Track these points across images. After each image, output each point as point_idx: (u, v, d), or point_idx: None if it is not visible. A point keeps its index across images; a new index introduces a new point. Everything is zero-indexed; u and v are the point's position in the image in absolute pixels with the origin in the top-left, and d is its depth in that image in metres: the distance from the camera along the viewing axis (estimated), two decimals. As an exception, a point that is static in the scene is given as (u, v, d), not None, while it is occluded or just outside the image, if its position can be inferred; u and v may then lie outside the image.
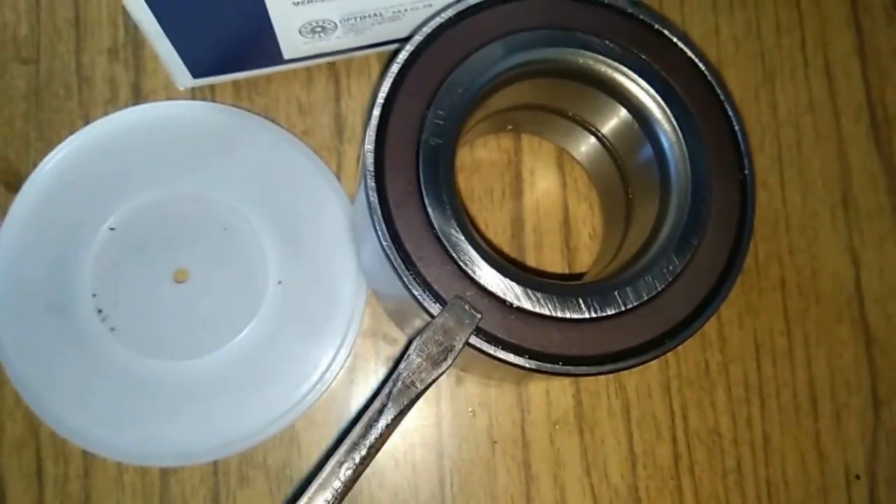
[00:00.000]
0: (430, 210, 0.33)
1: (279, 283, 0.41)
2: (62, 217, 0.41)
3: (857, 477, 0.43)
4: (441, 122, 0.34)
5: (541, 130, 0.44)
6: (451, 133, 0.34)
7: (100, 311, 0.40)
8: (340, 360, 0.41)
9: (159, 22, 0.34)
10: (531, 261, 0.44)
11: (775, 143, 0.46)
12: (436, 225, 0.33)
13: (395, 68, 0.34)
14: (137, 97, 0.44)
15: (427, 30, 0.34)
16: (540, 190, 0.45)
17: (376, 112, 0.33)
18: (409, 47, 0.34)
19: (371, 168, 0.33)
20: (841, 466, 0.43)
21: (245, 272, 0.41)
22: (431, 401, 0.42)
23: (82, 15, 0.45)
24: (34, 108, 0.43)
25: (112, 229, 0.41)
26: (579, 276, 0.43)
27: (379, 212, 0.32)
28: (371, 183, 0.33)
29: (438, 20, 0.35)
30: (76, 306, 0.40)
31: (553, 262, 0.44)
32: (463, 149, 0.44)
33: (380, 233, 0.32)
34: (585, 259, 0.44)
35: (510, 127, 0.44)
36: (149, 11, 0.33)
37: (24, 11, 0.45)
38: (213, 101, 0.43)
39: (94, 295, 0.40)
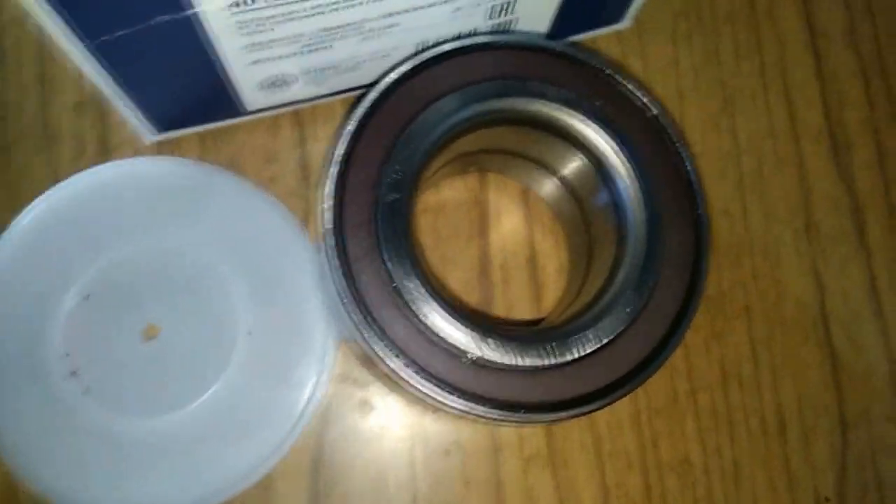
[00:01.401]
0: (388, 264, 0.34)
1: (249, 333, 0.41)
2: (31, 280, 0.41)
3: (827, 500, 0.44)
4: (398, 177, 0.35)
5: (504, 170, 0.45)
6: (408, 187, 0.35)
7: (73, 373, 0.40)
8: (313, 407, 0.41)
9: (118, 84, 0.35)
10: (499, 297, 0.44)
11: (737, 169, 0.47)
12: (395, 279, 0.34)
13: (350, 127, 0.35)
14: (105, 152, 0.44)
15: (382, 86, 0.35)
16: (506, 227, 0.45)
17: (333, 171, 0.34)
18: (364, 104, 0.35)
19: (329, 225, 0.33)
20: (810, 490, 0.44)
21: (215, 325, 0.41)
22: (405, 443, 0.43)
23: (48, 71, 0.45)
24: (2, 168, 0.44)
25: (86, 297, 0.41)
26: (541, 319, 0.44)
27: (338, 269, 0.33)
28: (330, 240, 0.33)
29: (393, 76, 0.35)
30: (49, 369, 0.40)
31: (521, 297, 0.44)
32: (428, 191, 0.45)
33: (339, 289, 0.33)
34: (553, 294, 0.45)
35: (473, 168, 0.44)
36: (107, 75, 0.34)
37: (-10, 71, 0.45)
38: (179, 153, 0.44)
39: (66, 355, 0.41)
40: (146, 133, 0.42)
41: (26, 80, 0.45)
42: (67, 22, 0.29)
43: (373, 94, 0.35)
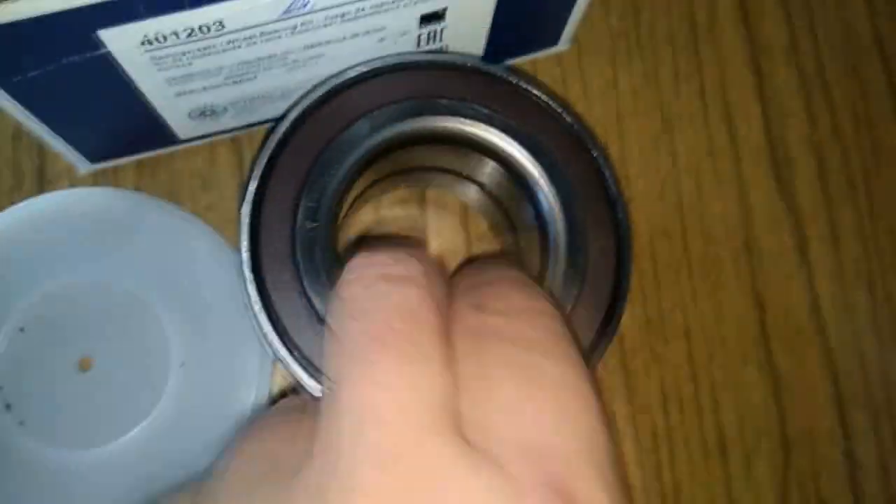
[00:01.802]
0: (311, 296, 0.34)
1: (182, 364, 0.41)
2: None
3: (768, 520, 0.44)
4: (314, 205, 0.35)
5: (437, 185, 0.45)
6: (326, 215, 0.35)
7: (7, 406, 0.40)
8: None
9: (40, 121, 0.35)
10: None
11: (676, 190, 0.47)
12: (318, 311, 0.34)
13: (260, 164, 0.35)
14: (42, 183, 0.44)
15: (291, 117, 0.35)
16: (445, 241, 0.45)
17: (246, 210, 0.34)
18: (274, 137, 0.35)
19: (247, 264, 0.34)
20: (751, 511, 0.44)
21: (147, 356, 0.41)
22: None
23: (-16, 102, 0.45)
24: (-64, 200, 0.44)
25: (20, 330, 0.41)
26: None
27: (255, 306, 0.33)
28: (248, 275, 0.34)
29: (301, 106, 0.35)
30: None
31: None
32: (365, 207, 0.45)
33: (257, 327, 0.33)
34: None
35: (404, 185, 0.44)
36: (27, 113, 0.34)
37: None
38: (116, 182, 0.44)
39: (0, 388, 0.40)
40: (80, 164, 0.41)
41: (-38, 111, 0.45)
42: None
43: (282, 127, 0.35)
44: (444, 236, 0.45)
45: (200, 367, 0.42)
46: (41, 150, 0.45)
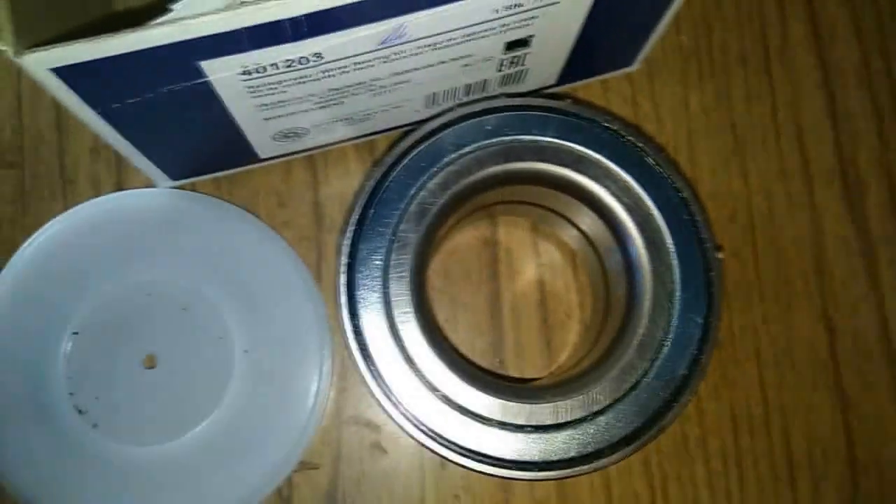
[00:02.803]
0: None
1: (245, 351, 0.42)
2: (30, 321, 0.42)
3: (837, 546, 0.44)
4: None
5: (518, 214, 0.45)
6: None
7: (80, 411, 0.41)
8: (316, 419, 0.42)
9: (130, 143, 0.36)
10: (509, 340, 0.45)
11: (747, 212, 0.47)
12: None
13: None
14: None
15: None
16: (516, 269, 0.45)
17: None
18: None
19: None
20: (820, 536, 0.44)
21: (211, 347, 0.43)
22: (415, 485, 0.43)
23: (63, 116, 0.46)
24: (20, 212, 0.45)
25: (85, 334, 0.42)
26: (552, 374, 0.44)
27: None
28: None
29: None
30: (56, 409, 0.42)
31: (531, 341, 0.45)
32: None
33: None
34: (563, 336, 0.45)
35: (481, 215, 0.45)
36: (119, 136, 0.34)
37: (7, 115, 0.46)
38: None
39: (71, 394, 0.42)
40: (161, 182, 0.42)
41: (42, 127, 0.46)
42: (79, 93, 0.29)
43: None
44: (517, 258, 0.46)
45: (263, 354, 0.43)
46: (119, 164, 0.46)
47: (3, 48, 0.26)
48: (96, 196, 0.45)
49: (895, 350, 0.46)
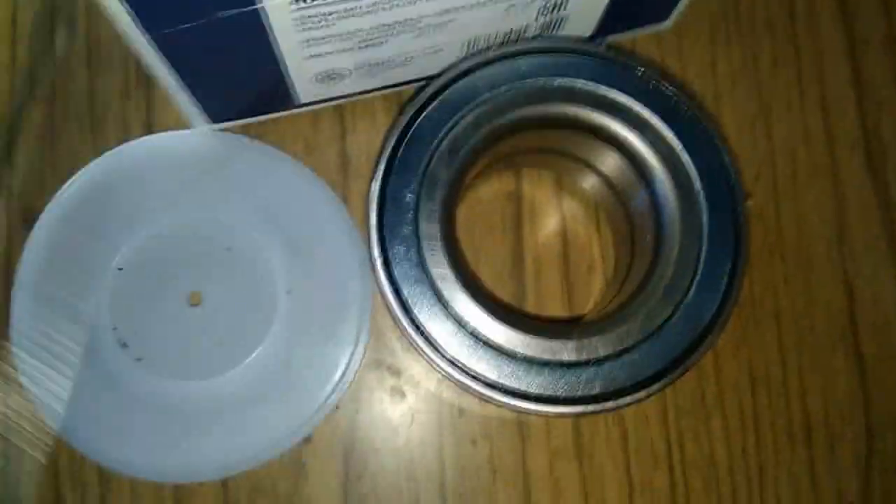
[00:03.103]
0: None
1: (288, 291, 0.43)
2: (74, 256, 0.43)
3: (850, 505, 0.44)
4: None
5: (542, 165, 0.45)
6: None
7: (123, 344, 0.42)
8: (356, 361, 0.43)
9: (179, 76, 0.36)
10: (531, 292, 0.45)
11: (771, 175, 0.47)
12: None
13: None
14: (150, 134, 0.45)
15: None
16: (539, 222, 0.46)
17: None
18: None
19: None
20: (835, 495, 0.44)
21: (255, 286, 0.43)
22: (434, 431, 0.43)
23: (94, 53, 0.46)
24: (49, 146, 0.45)
25: (130, 269, 0.43)
26: (575, 317, 0.45)
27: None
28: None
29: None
30: (100, 342, 0.42)
31: (553, 292, 0.45)
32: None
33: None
34: (583, 290, 0.45)
35: (507, 166, 0.45)
36: (168, 67, 0.35)
37: (41, 53, 0.46)
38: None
39: (114, 328, 0.42)
40: (198, 125, 0.42)
41: (74, 65, 0.46)
42: (133, 13, 0.29)
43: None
44: (539, 212, 0.46)
45: (306, 294, 0.43)
46: (149, 103, 0.46)
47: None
48: (126, 135, 0.45)
49: (912, 316, 0.47)
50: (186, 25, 0.31)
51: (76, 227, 0.43)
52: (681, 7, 0.44)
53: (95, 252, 0.43)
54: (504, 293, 0.45)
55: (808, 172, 0.48)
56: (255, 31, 0.32)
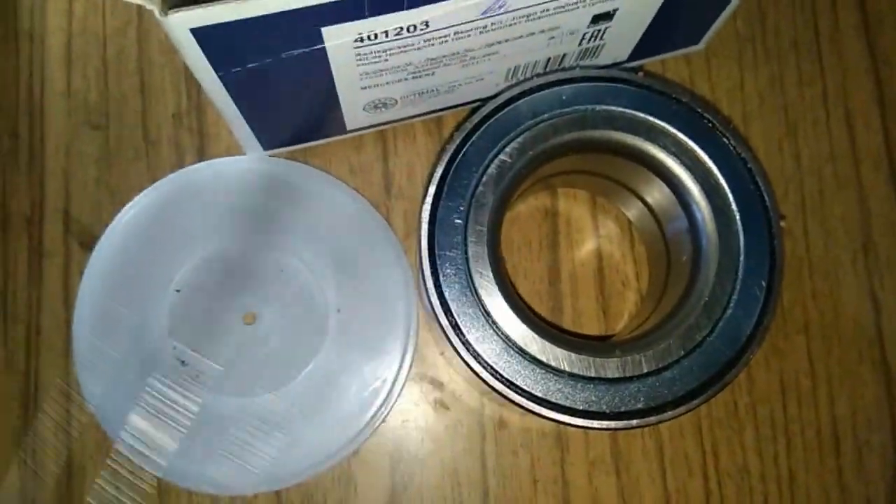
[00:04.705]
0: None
1: (338, 311, 0.45)
2: (133, 275, 0.45)
3: (879, 511, 0.46)
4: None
5: (580, 185, 0.47)
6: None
7: (182, 362, 0.44)
8: (403, 376, 0.45)
9: (240, 109, 0.37)
10: (567, 308, 0.47)
11: (798, 192, 0.49)
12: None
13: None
14: (203, 160, 0.47)
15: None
16: (575, 239, 0.47)
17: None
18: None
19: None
20: (863, 502, 0.46)
21: (306, 305, 0.45)
22: (476, 441, 0.45)
23: (147, 81, 0.48)
24: (105, 171, 0.47)
25: (187, 290, 0.45)
26: (608, 336, 0.46)
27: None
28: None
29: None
30: (159, 359, 0.44)
31: (589, 308, 0.47)
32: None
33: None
34: (619, 305, 0.47)
35: (545, 185, 0.47)
36: (231, 101, 0.36)
37: (94, 78, 0.48)
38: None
39: (173, 347, 0.44)
40: (252, 152, 0.44)
41: (127, 90, 0.48)
42: (209, 54, 0.31)
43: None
44: (575, 229, 0.48)
45: (355, 312, 0.45)
46: (202, 129, 0.48)
47: (151, 6, 0.28)
48: (179, 161, 0.47)
49: (936, 327, 0.48)
50: (252, 65, 0.33)
51: (133, 251, 0.45)
52: (714, 29, 0.46)
53: (153, 275, 0.45)
54: (541, 308, 0.47)
55: (834, 189, 0.49)
56: (317, 67, 0.34)
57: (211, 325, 0.44)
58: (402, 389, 0.44)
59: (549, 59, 0.41)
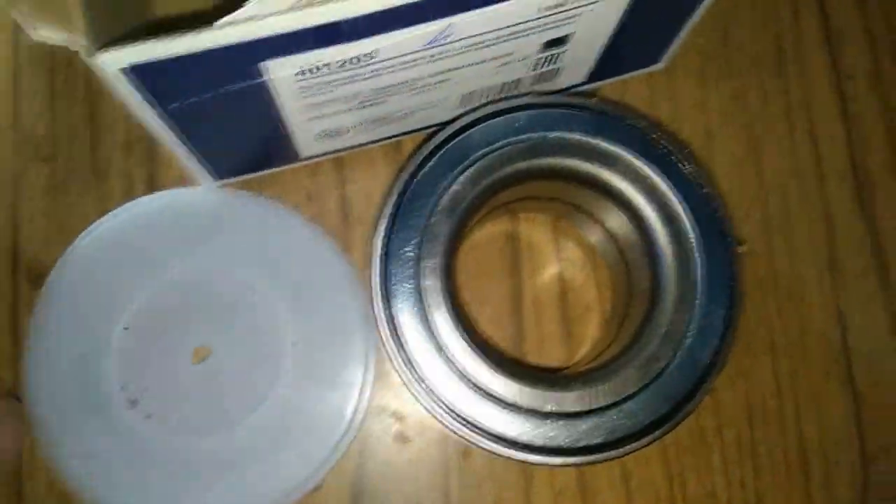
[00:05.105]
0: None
1: (294, 344, 0.43)
2: (82, 316, 0.43)
3: (849, 533, 0.45)
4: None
5: (539, 210, 0.46)
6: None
7: (133, 402, 0.43)
8: (363, 409, 0.44)
9: (185, 143, 0.37)
10: (530, 334, 0.46)
11: (763, 208, 0.48)
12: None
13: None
14: (153, 190, 0.46)
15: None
16: (537, 264, 0.47)
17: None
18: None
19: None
20: (832, 523, 0.45)
21: (261, 339, 0.44)
22: (439, 474, 0.44)
23: (96, 111, 0.47)
24: (54, 204, 0.46)
25: (136, 327, 0.43)
26: (571, 364, 0.46)
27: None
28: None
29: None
30: (110, 401, 0.43)
31: (552, 334, 0.46)
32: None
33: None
34: (583, 329, 0.46)
35: (505, 210, 0.46)
36: (176, 135, 0.35)
37: (42, 110, 0.47)
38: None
39: (123, 387, 0.43)
40: (205, 182, 0.43)
41: (76, 120, 0.47)
42: (144, 92, 0.30)
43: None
44: (537, 253, 0.47)
45: (311, 344, 0.44)
46: (152, 158, 0.47)
47: (76, 48, 0.27)
48: (129, 191, 0.46)
49: (904, 344, 0.48)
50: (194, 99, 0.32)
51: (82, 288, 0.44)
52: (673, 49, 0.45)
53: (102, 312, 0.43)
54: (503, 334, 0.46)
55: (798, 206, 0.49)
56: (261, 99, 0.33)
57: (162, 362, 0.43)
58: (362, 422, 0.43)
59: (503, 84, 0.40)
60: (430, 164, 0.37)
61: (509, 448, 0.35)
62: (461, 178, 0.37)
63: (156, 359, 0.43)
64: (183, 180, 0.46)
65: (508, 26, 0.34)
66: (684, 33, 0.43)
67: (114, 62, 0.28)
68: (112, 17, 0.31)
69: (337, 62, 0.32)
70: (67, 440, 0.42)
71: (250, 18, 0.27)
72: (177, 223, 0.45)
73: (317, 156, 0.43)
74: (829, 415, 0.47)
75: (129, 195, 0.46)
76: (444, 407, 0.36)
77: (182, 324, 0.44)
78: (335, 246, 0.45)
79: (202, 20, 0.28)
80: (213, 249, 0.44)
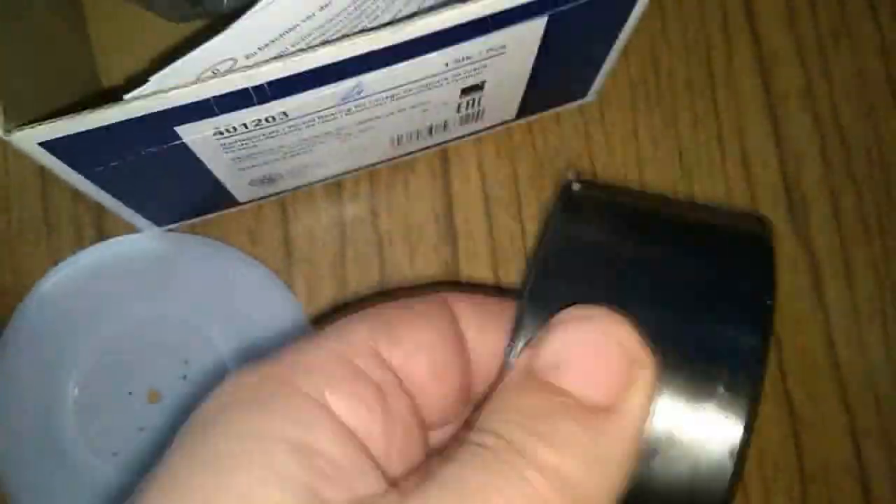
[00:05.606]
0: None
1: None
2: (39, 363, 0.45)
3: (788, 551, 0.46)
4: None
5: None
6: None
7: (93, 450, 0.44)
8: None
9: (115, 199, 0.38)
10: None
11: (697, 234, 0.49)
12: None
13: None
14: (102, 238, 0.47)
15: None
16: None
17: None
18: None
19: None
20: (772, 542, 0.47)
21: (207, 381, 0.45)
22: None
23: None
24: (8, 256, 0.47)
25: (90, 377, 0.45)
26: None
27: None
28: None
29: None
30: (71, 451, 0.44)
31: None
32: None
33: None
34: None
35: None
36: (103, 194, 0.37)
37: (-5, 165, 0.48)
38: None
39: (81, 435, 0.44)
40: (146, 228, 0.45)
41: (26, 174, 0.48)
42: (62, 162, 0.32)
43: None
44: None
45: None
46: (100, 208, 0.48)
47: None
48: (79, 239, 0.47)
49: (840, 363, 0.49)
50: (115, 163, 0.33)
51: (34, 343, 0.45)
52: (598, 84, 0.46)
53: (54, 366, 0.45)
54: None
55: (732, 229, 0.50)
56: (185, 157, 0.35)
57: (118, 405, 0.45)
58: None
59: (431, 126, 0.42)
60: None
61: None
62: None
63: (113, 402, 0.45)
64: (131, 226, 0.47)
65: (419, 80, 0.35)
66: (607, 68, 0.44)
67: (27, 139, 0.29)
68: (39, 96, 0.33)
69: (252, 121, 0.33)
70: (32, 488, 0.44)
71: (154, 93, 0.28)
72: (122, 270, 0.46)
73: (256, 199, 0.45)
74: (766, 436, 0.48)
75: (80, 243, 0.47)
76: None
77: (136, 368, 0.45)
78: (282, 283, 0.46)
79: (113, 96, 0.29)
80: (158, 294, 0.46)
